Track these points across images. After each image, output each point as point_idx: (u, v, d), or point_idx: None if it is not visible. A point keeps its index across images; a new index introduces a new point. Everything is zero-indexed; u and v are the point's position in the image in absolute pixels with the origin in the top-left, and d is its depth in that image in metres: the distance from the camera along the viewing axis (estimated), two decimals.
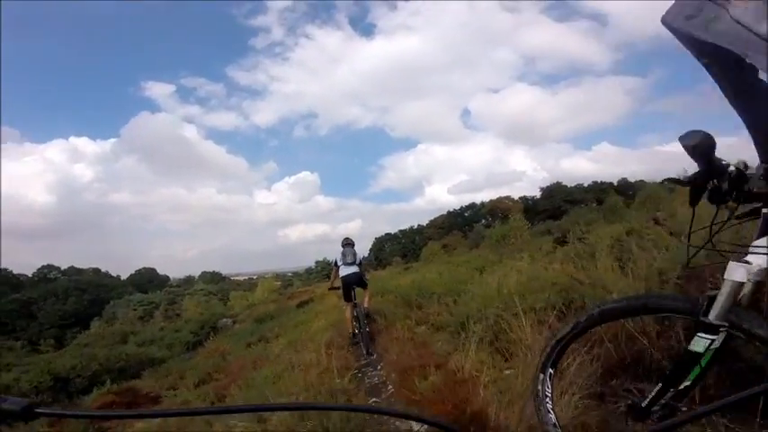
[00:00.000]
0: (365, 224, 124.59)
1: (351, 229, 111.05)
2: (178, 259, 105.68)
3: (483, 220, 71.29)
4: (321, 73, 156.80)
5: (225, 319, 19.36)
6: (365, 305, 6.17)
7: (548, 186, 71.69)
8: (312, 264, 59.05)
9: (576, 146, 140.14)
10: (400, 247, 65.82)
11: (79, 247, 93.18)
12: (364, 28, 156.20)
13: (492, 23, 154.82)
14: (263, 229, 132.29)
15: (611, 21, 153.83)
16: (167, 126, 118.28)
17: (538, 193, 69.46)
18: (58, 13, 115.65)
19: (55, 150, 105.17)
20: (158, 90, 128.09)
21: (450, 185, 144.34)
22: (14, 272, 61.09)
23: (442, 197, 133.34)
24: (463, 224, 69.17)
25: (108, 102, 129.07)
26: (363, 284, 6.36)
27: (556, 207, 60.77)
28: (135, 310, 39.55)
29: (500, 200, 71.92)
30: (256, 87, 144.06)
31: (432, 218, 73.91)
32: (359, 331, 5.73)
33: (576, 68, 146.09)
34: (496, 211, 69.35)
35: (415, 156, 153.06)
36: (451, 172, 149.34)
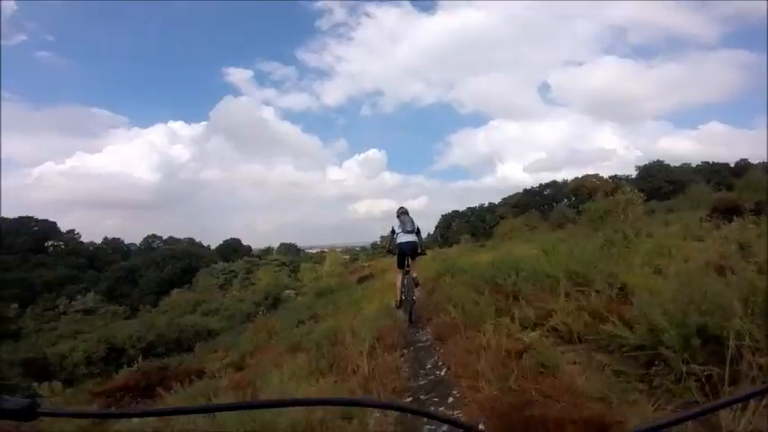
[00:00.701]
0: (430, 201, 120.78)
1: (416, 205, 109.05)
2: (259, 231, 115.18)
3: (565, 200, 64.49)
4: (384, 51, 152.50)
5: (288, 291, 19.18)
6: (414, 274, 6.10)
7: (645, 165, 62.01)
8: (377, 239, 58.65)
9: (677, 124, 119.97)
10: (468, 226, 62.22)
11: (178, 219, 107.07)
12: (425, 4, 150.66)
13: None
14: (334, 204, 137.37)
15: None
16: (248, 108, 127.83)
17: (633, 173, 60.24)
18: (145, 6, 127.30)
19: (157, 134, 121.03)
20: (238, 75, 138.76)
21: (526, 163, 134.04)
22: (126, 242, 71.24)
23: (516, 175, 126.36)
24: (542, 203, 63.09)
25: (197, 87, 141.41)
26: (417, 254, 6.30)
27: (656, 188, 52.20)
28: (217, 278, 42.76)
29: (586, 178, 63.86)
30: (324, 68, 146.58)
31: (504, 197, 68.74)
32: (405, 298, 5.92)
33: (675, 41, 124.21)
34: (582, 191, 61.67)
35: (485, 132, 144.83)
36: (527, 149, 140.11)
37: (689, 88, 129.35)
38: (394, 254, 6.38)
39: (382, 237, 62.77)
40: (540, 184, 65.72)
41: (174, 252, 58.63)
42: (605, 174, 63.81)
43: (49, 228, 69.19)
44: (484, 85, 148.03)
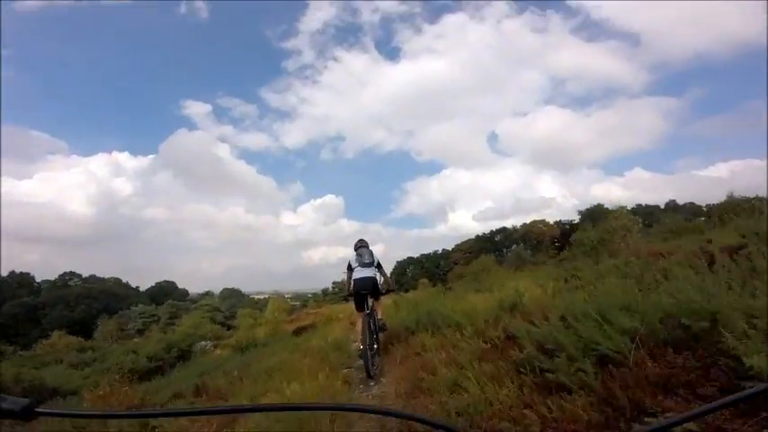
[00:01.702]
0: (387, 249, 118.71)
1: (374, 252, 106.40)
2: (205, 275, 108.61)
3: (514, 246, 66.49)
4: (348, 96, 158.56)
5: (204, 342, 15.84)
6: (379, 315, 5.35)
7: (588, 209, 66.33)
8: (330, 285, 55.38)
9: (607, 171, 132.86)
10: (423, 272, 61.45)
11: (111, 257, 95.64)
12: (390, 51, 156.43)
13: (519, 45, 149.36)
14: (288, 250, 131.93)
15: (644, 40, 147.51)
16: (203, 144, 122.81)
17: (575, 218, 64.06)
18: (103, 28, 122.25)
19: (99, 163, 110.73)
20: (196, 109, 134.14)
21: (476, 212, 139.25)
22: (41, 278, 60.87)
23: (466, 224, 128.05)
24: (493, 249, 64.49)
25: (149, 118, 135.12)
26: (378, 292, 5.39)
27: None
28: (134, 322, 36.78)
29: (534, 224, 67.14)
30: (286, 109, 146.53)
31: (456, 243, 69.69)
32: (363, 347, 4.79)
33: (608, 89, 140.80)
34: (530, 236, 64.44)
35: (438, 180, 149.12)
36: (476, 198, 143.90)
37: (618, 136, 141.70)
38: (352, 295, 5.42)
39: (334, 282, 59.26)
40: (492, 231, 67.64)
41: (91, 291, 51.02)
42: (549, 220, 67.35)
43: None
44: (441, 134, 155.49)
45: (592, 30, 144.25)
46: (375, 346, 4.92)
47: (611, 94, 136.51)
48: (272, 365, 6.35)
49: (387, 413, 0.61)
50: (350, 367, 5.39)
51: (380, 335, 5.22)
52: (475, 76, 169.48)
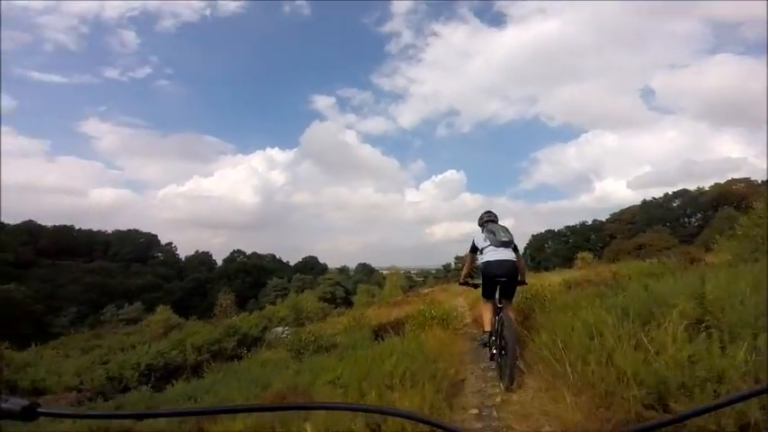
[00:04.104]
0: (516, 224, 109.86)
1: None
2: (343, 252, 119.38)
3: (699, 214, 49.79)
4: (455, 69, 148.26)
5: (279, 329, 13.29)
6: (512, 316, 3.92)
7: None
8: (452, 260, 50.89)
9: None
10: (566, 248, 51.03)
11: (270, 238, 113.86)
12: (492, 18, 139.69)
13: None
14: (411, 227, 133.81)
15: None
16: (332, 133, 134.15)
17: None
18: (227, 35, 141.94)
19: (258, 159, 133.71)
20: (322, 102, 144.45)
21: (631, 178, 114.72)
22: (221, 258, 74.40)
23: (617, 192, 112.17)
24: (668, 218, 49.52)
25: (287, 115, 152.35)
26: (515, 283, 4.13)
27: None
28: (268, 295, 40.00)
29: (731, 183, 48.56)
30: (398, 91, 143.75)
31: (605, 216, 56.19)
32: (500, 351, 3.77)
33: None
34: (725, 200, 46.43)
35: (577, 147, 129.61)
36: (629, 163, 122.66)
37: None
38: (475, 286, 4.42)
39: (457, 257, 53.82)
40: (666, 194, 51.87)
41: (246, 266, 58.50)
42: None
43: (151, 240, 76.20)
44: (574, 96, 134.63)
45: None
46: (514, 346, 3.49)
47: None
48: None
49: (386, 413, 0.66)
50: None
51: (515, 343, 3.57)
52: (601, 32, 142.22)
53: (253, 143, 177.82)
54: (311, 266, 72.56)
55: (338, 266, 76.15)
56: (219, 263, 70.16)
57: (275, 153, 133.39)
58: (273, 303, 37.20)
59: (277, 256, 74.61)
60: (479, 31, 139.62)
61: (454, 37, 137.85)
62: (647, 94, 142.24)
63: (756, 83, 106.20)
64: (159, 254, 75.21)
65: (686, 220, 50.89)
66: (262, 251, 70.52)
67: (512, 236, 4.23)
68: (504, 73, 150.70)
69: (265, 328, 14.25)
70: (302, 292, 32.52)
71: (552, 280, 8.84)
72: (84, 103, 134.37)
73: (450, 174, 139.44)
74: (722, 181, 48.90)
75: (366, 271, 72.77)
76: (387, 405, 2.79)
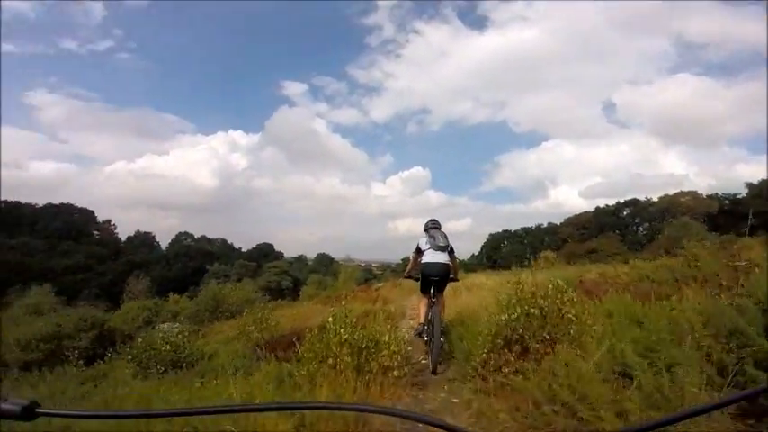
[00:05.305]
0: (474, 224, 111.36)
1: (460, 226, 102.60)
2: (304, 242, 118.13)
3: (647, 224, 51.67)
4: (432, 68, 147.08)
5: (166, 325, 10.66)
6: (442, 313, 4.77)
7: (761, 181, 47.62)
8: (410, 255, 49.68)
9: (753, 150, 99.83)
10: (523, 248, 51.28)
11: (226, 222, 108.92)
12: (474, 21, 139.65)
13: (638, 11, 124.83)
14: (375, 220, 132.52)
15: None
16: (301, 120, 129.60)
17: (741, 191, 46.27)
18: (201, 13, 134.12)
19: (219, 141, 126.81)
20: (294, 89, 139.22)
21: (582, 188, 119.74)
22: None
23: (569, 200, 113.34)
24: (618, 226, 50.85)
25: (255, 99, 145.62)
26: (446, 281, 4.91)
27: None
28: (208, 282, 37.06)
29: (678, 196, 50.48)
30: (373, 85, 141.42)
31: (561, 220, 57.20)
32: (430, 339, 4.54)
33: (757, 56, 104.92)
34: (673, 211, 48.11)
35: (538, 154, 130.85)
36: (583, 173, 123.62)
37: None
38: (416, 279, 5.18)
39: (403, 259, 52.68)
40: (618, 202, 53.19)
41: (188, 250, 54.21)
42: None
43: (87, 217, 69.24)
44: (541, 104, 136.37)
45: None
46: (441, 339, 4.44)
47: (760, 61, 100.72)
48: None
49: (387, 413, 0.63)
50: None
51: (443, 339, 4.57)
52: (575, 44, 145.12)
53: (215, 124, 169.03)
54: (265, 254, 68.83)
55: (295, 255, 73.29)
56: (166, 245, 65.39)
57: (238, 136, 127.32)
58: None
59: (228, 242, 70.62)
60: (460, 33, 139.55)
61: (435, 36, 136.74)
62: (609, 107, 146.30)
63: (709, 102, 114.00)
64: (96, 232, 68.74)
65: (635, 228, 52.47)
66: (216, 236, 66.25)
67: (448, 241, 4.95)
68: (478, 76, 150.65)
69: (149, 323, 11.72)
70: (240, 280, 29.66)
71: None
72: (35, 74, 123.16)
73: (417, 170, 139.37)
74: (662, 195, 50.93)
75: (325, 261, 69.98)
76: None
